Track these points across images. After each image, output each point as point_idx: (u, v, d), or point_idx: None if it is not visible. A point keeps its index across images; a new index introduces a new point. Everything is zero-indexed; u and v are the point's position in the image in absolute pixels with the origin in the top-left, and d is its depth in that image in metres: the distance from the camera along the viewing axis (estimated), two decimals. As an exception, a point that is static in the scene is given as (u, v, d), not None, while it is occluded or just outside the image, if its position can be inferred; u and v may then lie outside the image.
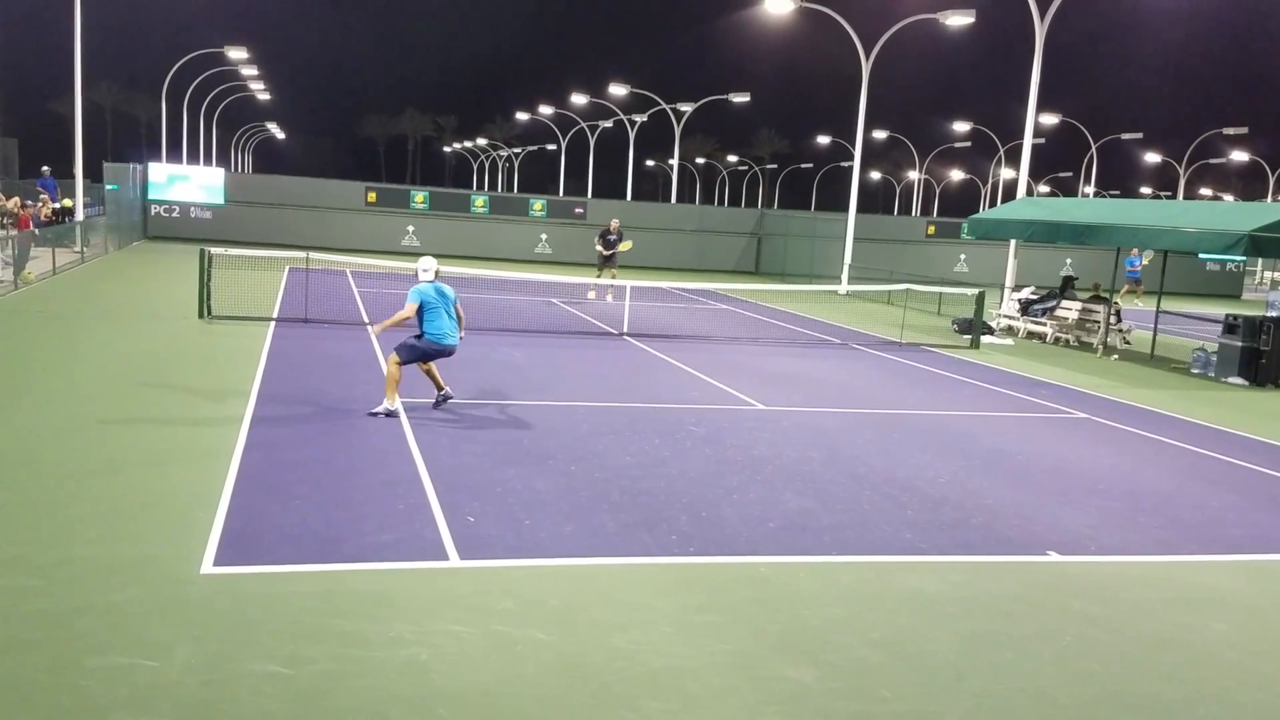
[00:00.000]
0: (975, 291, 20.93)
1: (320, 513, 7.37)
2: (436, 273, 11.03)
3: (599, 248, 24.38)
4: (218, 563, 6.32)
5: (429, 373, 11.22)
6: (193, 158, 59.65)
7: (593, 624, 5.81)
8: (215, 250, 17.70)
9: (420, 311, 10.78)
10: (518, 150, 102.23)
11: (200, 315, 16.78)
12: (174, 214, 35.68)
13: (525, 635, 5.59)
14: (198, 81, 56.42)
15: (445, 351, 10.92)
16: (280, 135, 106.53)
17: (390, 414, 10.59)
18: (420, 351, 10.81)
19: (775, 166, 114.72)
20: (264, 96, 69.78)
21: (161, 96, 49.38)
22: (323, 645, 5.31)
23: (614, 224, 24.62)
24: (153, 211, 35.49)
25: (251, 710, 4.67)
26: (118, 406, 10.47)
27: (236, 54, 46.12)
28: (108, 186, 32.99)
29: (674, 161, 54.24)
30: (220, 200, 35.93)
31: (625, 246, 24.48)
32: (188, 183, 36.31)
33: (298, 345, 14.81)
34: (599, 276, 24.24)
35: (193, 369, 12.75)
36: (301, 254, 19.56)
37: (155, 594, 5.85)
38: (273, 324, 16.62)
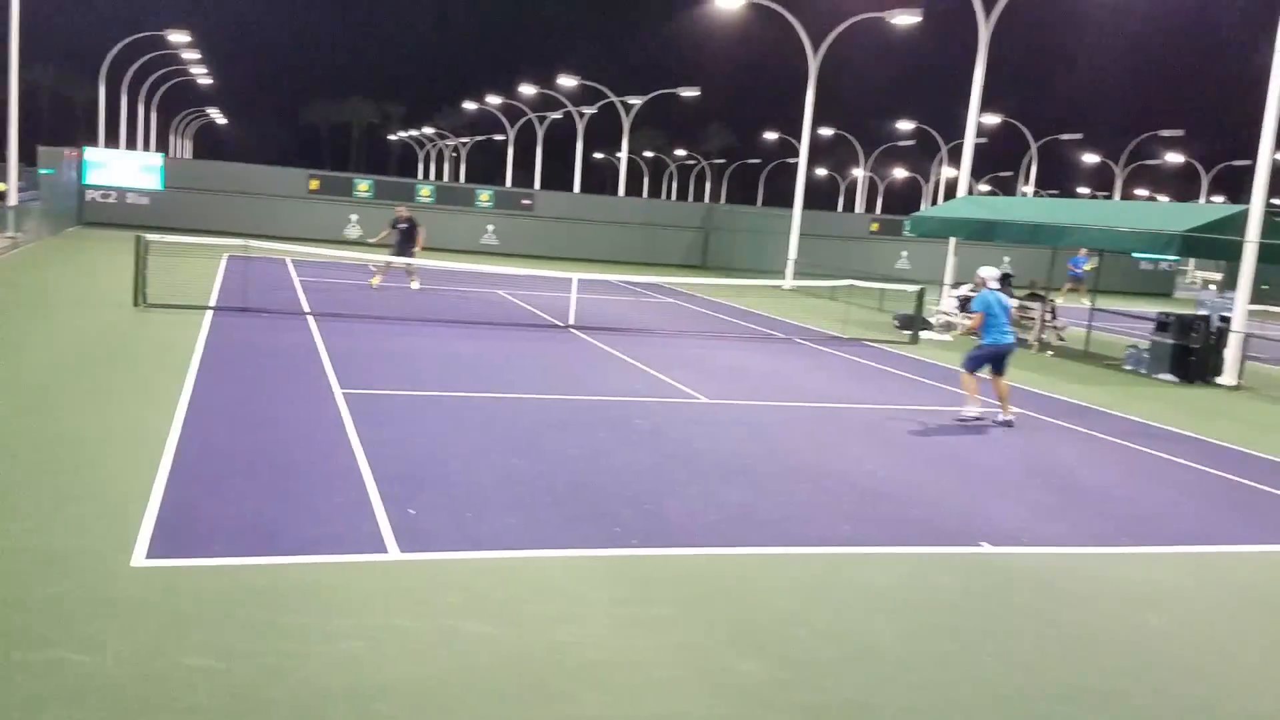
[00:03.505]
0: (916, 288, 21.20)
1: (256, 505, 7.27)
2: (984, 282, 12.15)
3: (388, 231, 22.09)
4: (150, 555, 6.21)
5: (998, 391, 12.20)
6: (131, 142, 58.32)
7: (536, 617, 5.80)
8: (151, 237, 17.34)
9: (985, 320, 11.92)
10: (465, 140, 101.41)
11: (135, 304, 16.43)
12: (110, 199, 34.88)
13: (466, 628, 5.57)
14: (138, 65, 55.18)
15: (1005, 351, 12.04)
16: (221, 120, 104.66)
17: (978, 419, 11.94)
18: (984, 358, 12.00)
19: (723, 161, 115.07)
20: (205, 81, 68.47)
21: (100, 79, 48.23)
22: (259, 639, 5.24)
23: (400, 210, 22.48)
24: (89, 197, 34.66)
25: (185, 704, 4.60)
26: (48, 396, 10.23)
27: (178, 37, 45.22)
28: (42, 171, 32.15)
29: (622, 154, 54.22)
30: (159, 186, 35.20)
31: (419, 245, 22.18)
32: (125, 167, 35.52)
33: (235, 335, 14.58)
34: (388, 266, 22.15)
35: (126, 358, 12.50)
36: (241, 241, 19.24)
37: (87, 587, 5.73)
38: (210, 313, 16.34)
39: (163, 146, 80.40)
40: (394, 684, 4.93)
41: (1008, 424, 12.17)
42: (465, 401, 11.45)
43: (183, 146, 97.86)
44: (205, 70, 63.79)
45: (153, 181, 35.16)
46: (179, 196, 35.05)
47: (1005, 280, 23.73)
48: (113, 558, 6.14)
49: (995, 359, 12.22)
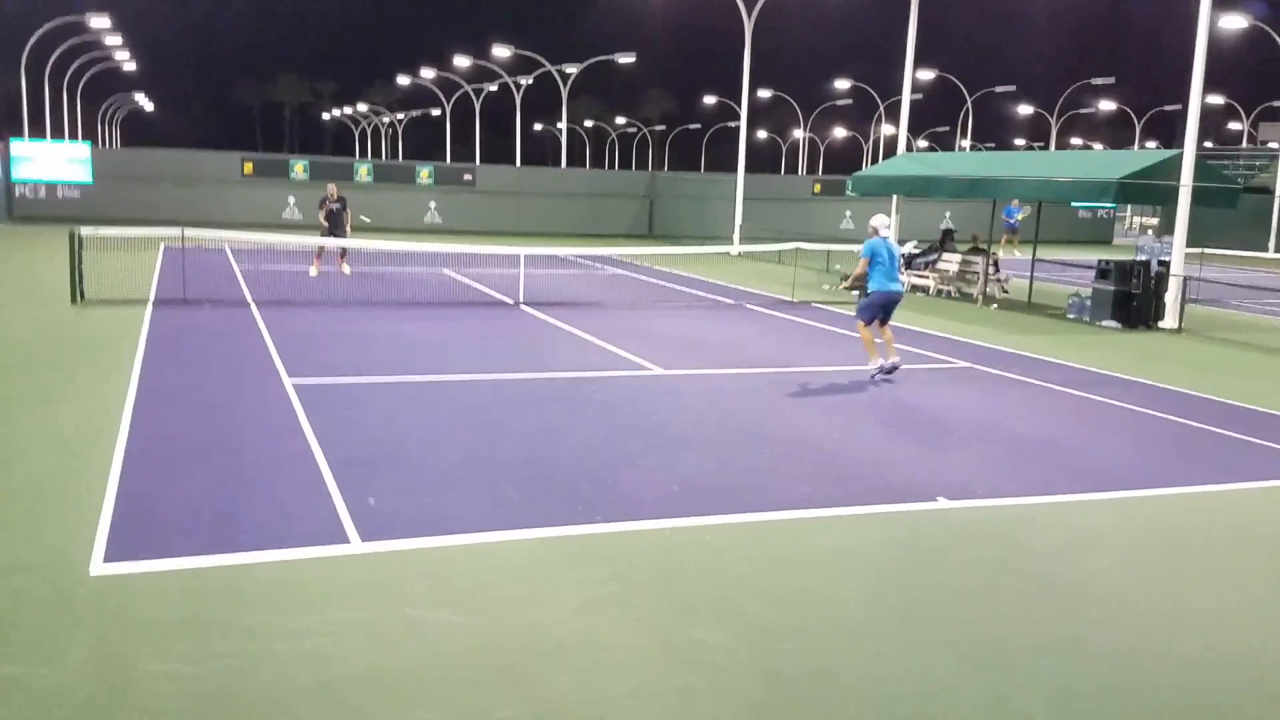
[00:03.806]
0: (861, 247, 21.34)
1: (212, 501, 7.17)
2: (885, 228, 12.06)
3: (321, 214, 21.57)
4: (108, 559, 6.10)
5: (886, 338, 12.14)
6: (56, 133, 56.81)
7: (501, 601, 5.80)
8: (85, 230, 16.93)
9: (870, 265, 11.73)
10: (400, 116, 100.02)
11: (73, 300, 16.07)
12: (40, 194, 34.02)
13: (432, 616, 5.56)
14: (59, 53, 53.62)
15: (894, 298, 11.92)
16: (149, 106, 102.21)
17: (884, 370, 11.84)
18: (875, 305, 11.89)
19: (664, 128, 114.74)
20: (129, 66, 66.70)
21: (20, 70, 46.81)
22: (223, 640, 5.19)
23: (331, 188, 21.71)
24: (17, 193, 33.77)
25: (151, 711, 4.55)
26: (-11, 401, 9.98)
27: (99, 22, 43.99)
28: (-35, 167, 31.26)
29: (562, 125, 53.87)
30: (89, 178, 34.36)
31: (353, 220, 21.83)
32: (52, 160, 34.57)
33: (178, 326, 14.32)
34: (322, 250, 21.70)
35: (67, 356, 12.23)
36: (177, 231, 18.86)
37: (43, 597, 5.62)
38: (150, 305, 16.03)
39: (90, 136, 78.41)
40: (363, 676, 4.91)
41: (894, 368, 12.14)
42: (417, 384, 11.37)
43: (111, 135, 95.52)
44: (129, 55, 62.15)
45: (82, 173, 34.31)
46: (111, 187, 34.26)
47: (947, 236, 24.16)
48: (70, 564, 6.03)
49: (885, 306, 12.12)
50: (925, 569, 6.56)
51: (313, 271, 21.39)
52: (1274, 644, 5.73)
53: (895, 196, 24.88)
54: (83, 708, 4.56)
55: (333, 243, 21.37)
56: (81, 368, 11.59)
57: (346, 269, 21.93)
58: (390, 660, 5.08)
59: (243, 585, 5.85)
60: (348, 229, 21.50)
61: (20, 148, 34.87)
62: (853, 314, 12.85)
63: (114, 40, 52.07)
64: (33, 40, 45.76)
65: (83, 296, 16.12)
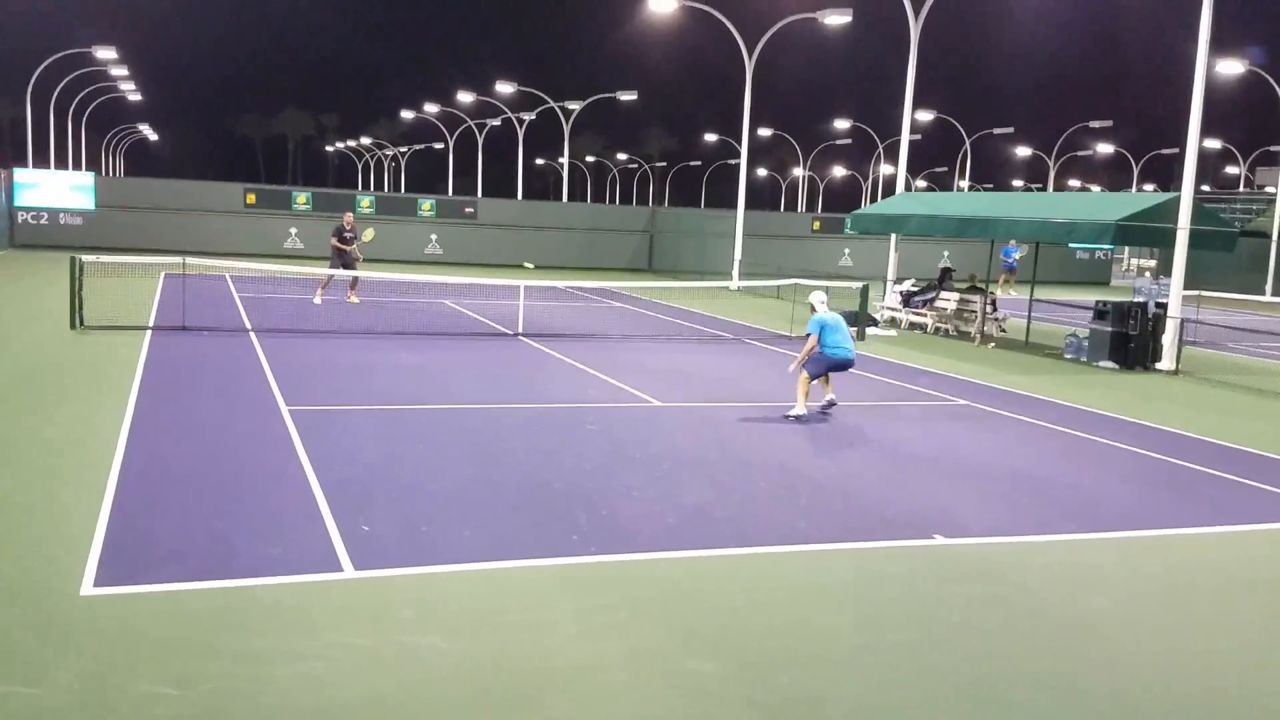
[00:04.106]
0: (859, 285, 21.44)
1: (206, 526, 7.15)
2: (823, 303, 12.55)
3: (335, 244, 21.64)
4: (99, 582, 6.08)
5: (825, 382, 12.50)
6: (61, 162, 57.10)
7: (495, 629, 5.77)
8: (87, 258, 16.99)
9: (821, 337, 12.16)
10: (403, 149, 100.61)
11: (72, 325, 16.09)
12: (43, 221, 34.13)
13: (426, 643, 5.53)
14: (64, 83, 54.04)
15: (846, 363, 12.27)
16: (153, 137, 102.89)
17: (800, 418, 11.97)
18: (824, 365, 12.22)
19: (665, 164, 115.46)
20: (135, 97, 67.24)
21: (26, 99, 47.15)
22: (213, 663, 5.16)
23: (348, 218, 21.95)
24: (20, 219, 33.90)
25: (140, 734, 4.51)
26: (-15, 424, 9.97)
27: (105, 54, 44.35)
28: (-32, 193, 31.39)
29: (564, 160, 54.21)
30: (91, 205, 34.51)
31: (368, 235, 21.90)
32: (56, 187, 34.75)
33: (176, 353, 14.33)
34: (327, 275, 21.68)
35: (65, 381, 12.23)
36: (178, 259, 18.92)
37: (33, 617, 5.59)
38: (149, 332, 16.05)
39: (94, 165, 78.84)
40: (355, 702, 4.88)
41: (831, 404, 12.33)
42: (415, 413, 11.36)
43: (115, 164, 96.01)
44: (134, 86, 62.68)
45: (85, 201, 34.48)
46: (113, 215, 34.43)
47: (946, 275, 24.25)
48: (60, 586, 6.00)
49: (834, 368, 12.28)
50: (921, 605, 6.53)
51: (317, 300, 21.44)
52: (1268, 686, 5.70)
53: (894, 235, 25.00)
54: (70, 730, 4.52)
55: (343, 273, 21.52)
56: (79, 393, 11.58)
57: (355, 299, 22.01)
58: (383, 687, 5.05)
59: (234, 610, 5.82)
60: (358, 257, 21.70)
61: (24, 174, 35.07)
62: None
63: (120, 71, 52.46)
64: (39, 70, 46.11)
65: (82, 322, 16.15)
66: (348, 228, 21.62)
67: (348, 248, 21.50)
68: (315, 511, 7.58)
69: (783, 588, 6.67)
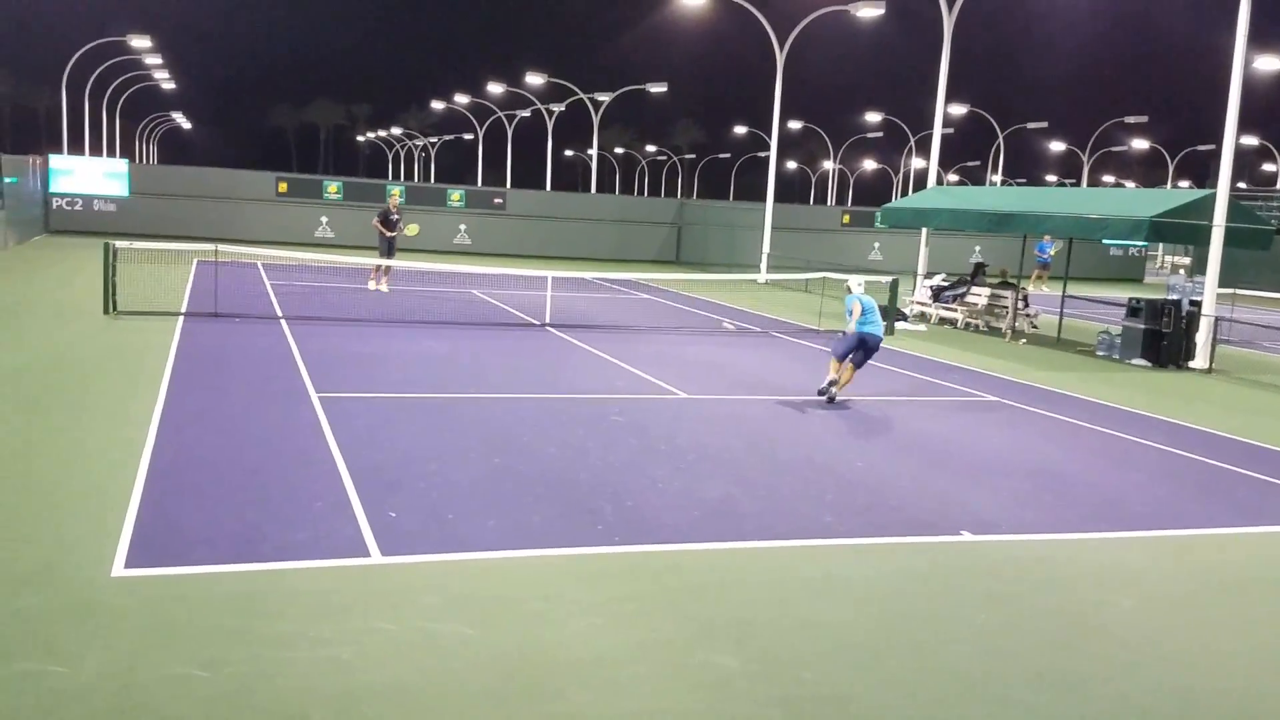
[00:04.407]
0: (889, 279, 21.31)
1: (236, 511, 7.22)
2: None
3: (379, 227, 21.72)
4: (129, 565, 6.16)
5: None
6: (95, 149, 57.71)
7: (518, 617, 5.80)
8: (120, 244, 17.17)
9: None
10: (433, 140, 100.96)
11: (106, 311, 16.28)
12: (77, 207, 34.50)
13: (450, 630, 5.56)
14: (99, 71, 54.62)
15: (873, 341, 12.70)
16: (186, 125, 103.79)
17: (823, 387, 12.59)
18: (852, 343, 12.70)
19: (694, 156, 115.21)
20: (168, 86, 67.81)
21: (61, 87, 47.68)
22: (241, 646, 5.21)
23: (394, 200, 22.28)
24: (54, 205, 34.27)
25: (168, 714, 4.57)
26: (20, 406, 10.11)
27: (139, 42, 44.77)
28: (6, 179, 31.73)
29: (593, 151, 54.17)
30: (125, 192, 34.86)
31: (411, 231, 22.41)
32: (91, 174, 35.13)
33: (208, 340, 14.47)
34: (383, 265, 21.92)
35: (99, 366, 12.38)
36: (210, 246, 19.08)
37: (64, 598, 5.67)
38: (181, 319, 16.20)
39: (128, 152, 79.65)
40: (380, 687, 4.91)
41: (830, 389, 12.55)
42: (442, 402, 11.41)
43: (148, 152, 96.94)
44: (168, 75, 63.21)
45: (119, 188, 34.83)
46: (146, 202, 34.74)
47: (978, 269, 24.08)
48: (91, 568, 6.08)
49: (862, 347, 12.68)
50: (946, 602, 6.49)
51: (371, 285, 21.86)
52: (1301, 686, 5.63)
53: (925, 230, 24.83)
54: (100, 706, 4.58)
55: (386, 262, 21.80)
56: (111, 377, 11.71)
57: (385, 287, 22.15)
58: (408, 672, 5.08)
59: (261, 594, 5.87)
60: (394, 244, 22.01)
61: (59, 161, 35.44)
62: (882, 344, 13.20)
63: (154, 60, 52.93)
64: (75, 58, 46.60)
65: (115, 308, 16.32)
66: (394, 211, 21.95)
67: (392, 232, 21.76)
68: (344, 498, 7.63)
69: (807, 583, 6.65)
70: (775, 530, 7.61)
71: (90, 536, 6.59)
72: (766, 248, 32.29)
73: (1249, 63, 18.53)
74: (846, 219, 42.60)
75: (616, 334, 17.98)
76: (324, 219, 36.71)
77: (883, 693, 5.20)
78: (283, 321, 16.78)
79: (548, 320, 18.62)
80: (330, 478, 8.13)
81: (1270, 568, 7.64)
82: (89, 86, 52.80)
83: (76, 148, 52.56)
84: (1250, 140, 62.97)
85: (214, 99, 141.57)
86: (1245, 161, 73.72)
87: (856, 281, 13.24)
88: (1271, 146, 69.91)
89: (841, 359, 12.62)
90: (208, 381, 11.74)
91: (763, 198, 33.90)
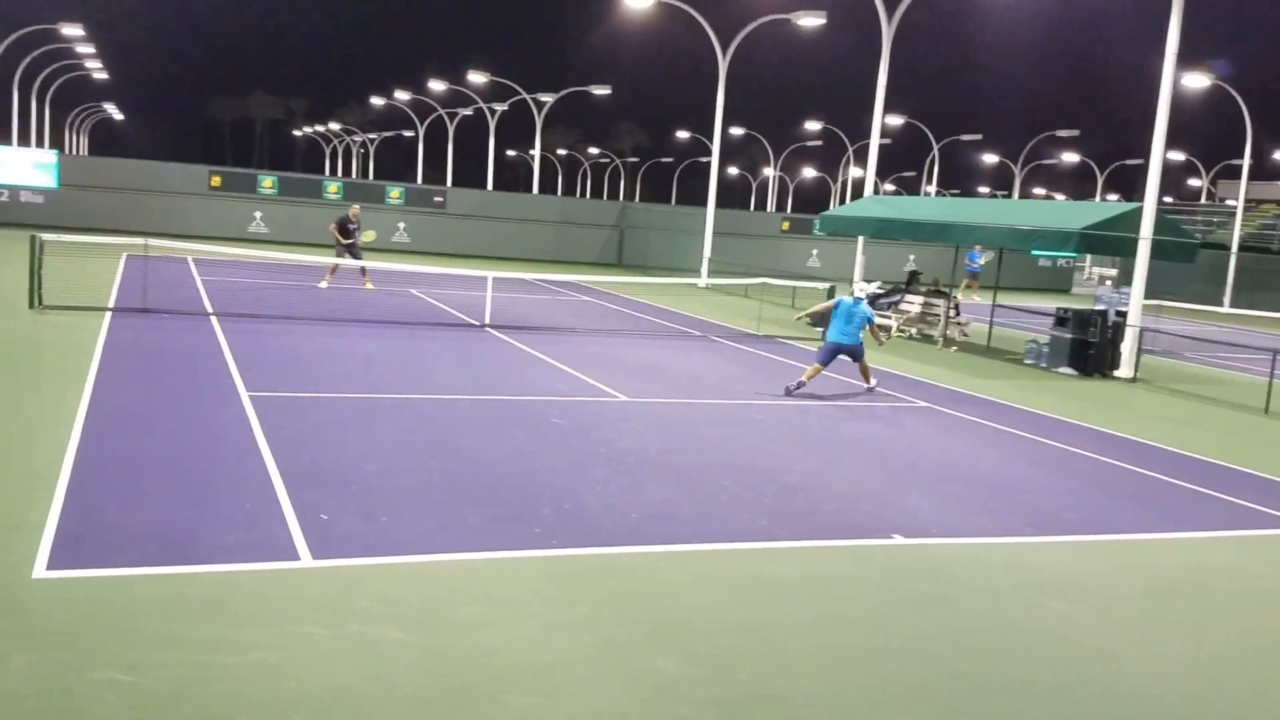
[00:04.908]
0: (827, 285, 21.53)
1: (163, 512, 7.07)
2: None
3: (335, 234, 22.05)
4: (52, 566, 5.99)
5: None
6: (23, 140, 56.11)
7: (455, 621, 5.75)
8: (47, 236, 16.73)
9: (832, 314, 13.85)
10: (372, 136, 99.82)
11: (30, 305, 15.83)
12: (3, 198, 33.51)
13: (384, 635, 5.50)
14: (28, 60, 53.08)
15: (839, 349, 13.67)
16: (118, 116, 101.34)
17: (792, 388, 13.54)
18: (825, 352, 13.74)
19: (636, 160, 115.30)
20: (101, 76, 66.19)
21: (-13, 73, 46.29)
22: (168, 651, 5.10)
23: (353, 210, 22.35)
24: (-23, 196, 33.27)
25: (92, 719, 4.46)
26: (-62, 403, 9.79)
27: (71, 31, 43.63)
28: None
29: (535, 152, 53.99)
30: (54, 184, 33.95)
31: (368, 236, 22.69)
32: (18, 165, 34.16)
33: (136, 336, 14.14)
34: (336, 268, 22.14)
35: (22, 361, 12.03)
36: (140, 240, 18.66)
37: (-18, 602, 5.50)
38: (109, 314, 15.82)
39: (57, 143, 77.53)
40: (310, 694, 4.84)
41: (799, 387, 13.57)
42: (379, 403, 11.28)
43: (79, 143, 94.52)
44: (100, 65, 61.68)
45: (47, 179, 33.91)
46: (75, 195, 33.86)
47: (914, 277, 24.42)
48: (13, 570, 5.91)
49: (835, 354, 13.77)
50: (879, 604, 6.58)
51: (323, 285, 22.05)
52: (1217, 692, 5.80)
53: (861, 238, 25.13)
54: (23, 713, 4.45)
55: (350, 263, 21.88)
56: (35, 373, 11.40)
57: (370, 285, 22.58)
58: (339, 678, 5.01)
59: (189, 596, 5.75)
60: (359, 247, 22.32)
61: (-16, 151, 34.43)
62: (818, 348, 13.95)
63: (86, 49, 51.62)
64: (2, 46, 45.26)
65: (41, 302, 15.90)
66: (352, 220, 22.14)
67: (347, 240, 22.01)
68: (274, 499, 7.51)
69: (745, 586, 6.69)
70: (714, 534, 7.64)
71: (12, 537, 6.40)
72: (708, 252, 32.45)
73: (1177, 81, 19.05)
74: (786, 226, 42.99)
75: (557, 336, 17.94)
76: (258, 214, 36.10)
77: (816, 694, 5.25)
78: (213, 318, 16.47)
79: (488, 321, 18.52)
80: (260, 479, 7.99)
81: (1198, 572, 7.85)
82: (17, 76, 51.31)
83: (3, 137, 51.08)
84: (1177, 156, 64.74)
85: (148, 90, 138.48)
86: (1172, 177, 75.79)
87: (859, 286, 14.36)
88: (1197, 163, 71.98)
89: (824, 365, 13.69)
90: (135, 379, 11.48)
91: (704, 202, 34.06)
